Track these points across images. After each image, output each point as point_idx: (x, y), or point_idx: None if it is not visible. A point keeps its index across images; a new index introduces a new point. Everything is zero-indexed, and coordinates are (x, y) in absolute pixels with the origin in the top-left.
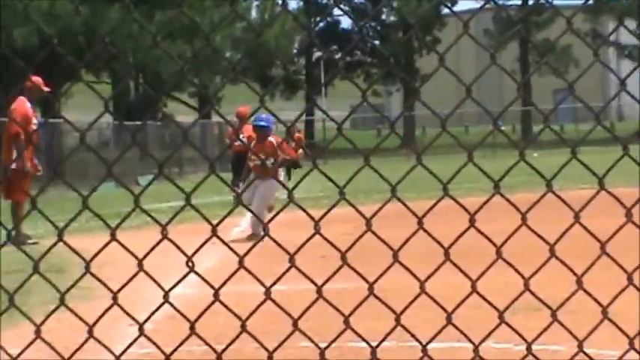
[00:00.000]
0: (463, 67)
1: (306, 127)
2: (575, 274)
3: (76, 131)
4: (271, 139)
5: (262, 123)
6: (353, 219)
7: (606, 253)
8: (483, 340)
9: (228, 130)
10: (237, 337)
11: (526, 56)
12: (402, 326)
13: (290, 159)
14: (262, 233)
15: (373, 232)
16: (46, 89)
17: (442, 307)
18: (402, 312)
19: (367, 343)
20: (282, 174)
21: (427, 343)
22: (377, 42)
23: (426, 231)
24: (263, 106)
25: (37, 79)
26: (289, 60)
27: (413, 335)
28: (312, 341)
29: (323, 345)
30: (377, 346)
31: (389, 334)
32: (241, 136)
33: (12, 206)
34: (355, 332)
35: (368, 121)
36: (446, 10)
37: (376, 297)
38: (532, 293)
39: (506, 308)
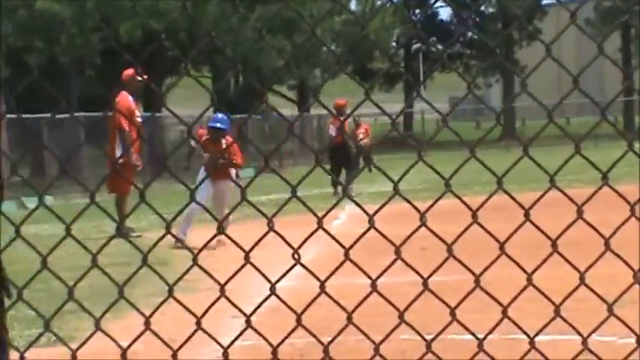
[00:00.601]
0: (564, 57)
1: (405, 119)
2: None
3: (182, 124)
4: (223, 141)
5: (218, 125)
6: (453, 212)
7: None
8: (591, 334)
9: (328, 123)
10: (344, 329)
11: (628, 46)
12: (509, 318)
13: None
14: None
15: (479, 224)
16: (141, 79)
17: (550, 300)
18: (509, 304)
19: (474, 335)
20: (233, 174)
21: (534, 336)
22: (474, 34)
23: (532, 222)
24: (369, 99)
25: (130, 71)
26: (389, 53)
27: (520, 328)
28: (419, 333)
29: (428, 337)
30: (483, 339)
31: (496, 326)
32: (331, 128)
33: (116, 200)
34: (462, 325)
35: (467, 113)
36: (546, 0)
37: (482, 289)
38: None
39: (615, 301)
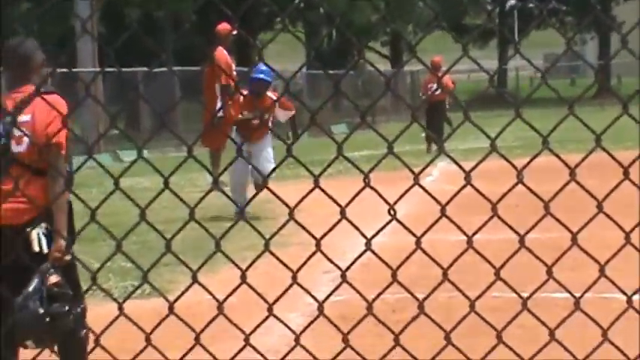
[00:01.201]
0: None
1: (499, 76)
2: None
3: (280, 79)
4: (269, 94)
5: (261, 76)
6: (547, 170)
7: None
8: None
9: (424, 80)
10: (439, 285)
11: None
12: (607, 277)
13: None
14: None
15: (577, 182)
16: (234, 32)
17: None
18: (607, 262)
19: (570, 293)
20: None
21: (632, 295)
22: None
23: (631, 180)
24: (467, 55)
25: (226, 26)
26: (486, 8)
27: (618, 286)
28: (514, 290)
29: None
30: (580, 297)
31: (592, 285)
32: (433, 86)
33: (210, 154)
34: (558, 282)
35: (561, 70)
36: None
37: (579, 247)
38: None
39: None
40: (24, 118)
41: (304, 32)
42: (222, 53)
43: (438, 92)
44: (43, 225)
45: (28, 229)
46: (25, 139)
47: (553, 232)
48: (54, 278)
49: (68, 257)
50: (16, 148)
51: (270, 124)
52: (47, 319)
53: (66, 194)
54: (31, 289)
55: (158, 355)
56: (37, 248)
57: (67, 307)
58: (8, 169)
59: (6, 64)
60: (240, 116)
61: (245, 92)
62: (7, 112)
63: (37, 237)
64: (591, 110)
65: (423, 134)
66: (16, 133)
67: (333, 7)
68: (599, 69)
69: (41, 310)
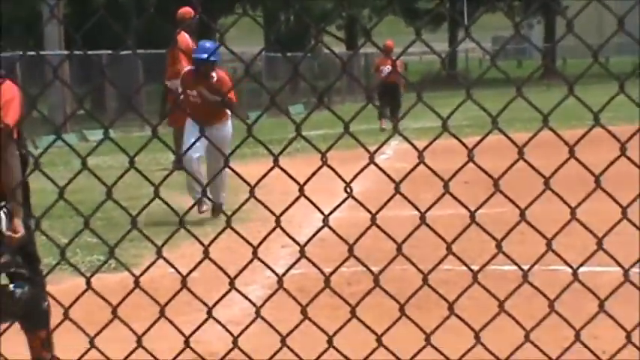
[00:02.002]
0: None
1: (450, 58)
2: None
3: (241, 62)
4: (220, 72)
5: (204, 56)
6: (494, 148)
7: None
8: (632, 266)
9: (376, 61)
10: (394, 258)
11: None
12: (554, 251)
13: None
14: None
15: (525, 160)
16: (195, 15)
17: (592, 233)
18: (554, 237)
19: (518, 266)
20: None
21: (578, 268)
22: None
23: (576, 159)
24: (420, 39)
25: (187, 10)
26: None
27: (564, 260)
28: (465, 264)
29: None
30: (528, 270)
31: (540, 258)
32: (386, 67)
33: (174, 133)
34: (507, 256)
35: (509, 53)
36: None
37: (527, 222)
38: None
39: None
40: None
41: (263, 16)
42: (183, 37)
43: (389, 74)
44: (2, 204)
45: None
46: None
47: (502, 208)
48: (3, 259)
49: (21, 235)
50: None
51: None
52: (6, 294)
53: (19, 175)
54: None
55: (124, 328)
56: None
57: (24, 285)
58: None
59: None
60: (192, 97)
61: (188, 68)
62: None
63: None
64: (538, 91)
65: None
66: None
67: None
68: (546, 51)
69: (2, 288)
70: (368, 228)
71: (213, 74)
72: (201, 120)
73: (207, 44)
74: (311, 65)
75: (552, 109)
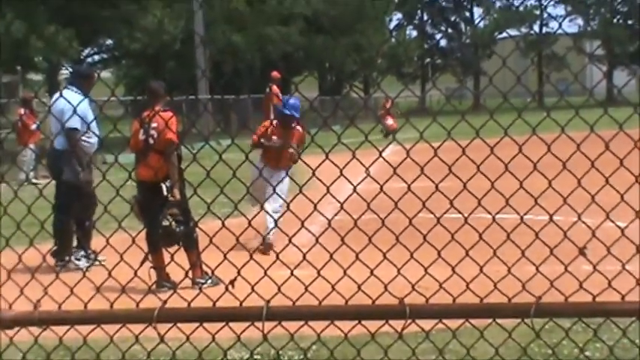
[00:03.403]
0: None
1: (421, 99)
2: None
3: (307, 100)
4: (299, 128)
5: (290, 112)
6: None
7: None
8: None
9: (382, 102)
10: (391, 212)
11: None
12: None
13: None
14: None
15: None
16: (279, 76)
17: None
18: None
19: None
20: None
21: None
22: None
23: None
24: (408, 88)
25: (275, 73)
26: (413, 62)
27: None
28: (460, 212)
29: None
30: (495, 214)
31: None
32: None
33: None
34: (485, 208)
35: (454, 97)
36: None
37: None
38: None
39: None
40: (153, 124)
41: (318, 76)
42: (274, 88)
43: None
44: (167, 181)
45: (161, 184)
46: (155, 135)
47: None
48: (170, 211)
49: (178, 198)
50: (151, 141)
51: (294, 157)
52: (170, 231)
53: (176, 165)
54: (161, 217)
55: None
56: (165, 193)
57: (181, 225)
58: (148, 154)
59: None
60: (265, 141)
61: (274, 120)
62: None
63: (165, 187)
64: (471, 117)
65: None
66: (151, 132)
67: (336, 62)
68: (476, 95)
69: (168, 227)
70: (378, 193)
71: (297, 127)
72: (273, 163)
73: (292, 100)
74: (344, 103)
75: (485, 123)
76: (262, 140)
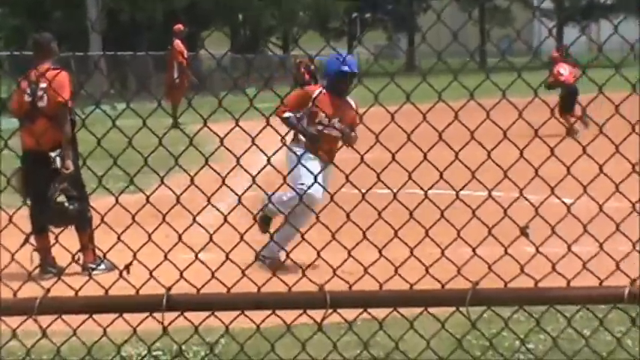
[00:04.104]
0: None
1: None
2: None
3: (213, 59)
4: (350, 101)
5: (350, 69)
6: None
7: None
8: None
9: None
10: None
11: None
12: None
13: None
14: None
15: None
16: (184, 30)
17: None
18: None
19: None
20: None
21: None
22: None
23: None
24: (329, 45)
25: (178, 26)
26: (339, 18)
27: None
28: (418, 185)
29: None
30: (458, 192)
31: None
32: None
33: (172, 105)
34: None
35: (384, 55)
36: None
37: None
38: None
39: None
40: (42, 85)
41: (230, 31)
42: (178, 44)
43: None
44: (58, 151)
45: (51, 154)
46: (45, 98)
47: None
48: (61, 186)
49: (70, 171)
50: (40, 104)
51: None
52: (62, 209)
53: (70, 133)
54: (50, 192)
55: (140, 230)
56: (55, 165)
57: (74, 202)
58: (35, 119)
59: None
60: (321, 127)
61: (323, 90)
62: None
63: (55, 158)
64: (403, 77)
65: None
66: (39, 93)
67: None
68: (409, 54)
69: (59, 204)
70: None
71: (350, 100)
72: (326, 155)
73: (349, 56)
74: (260, 62)
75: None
76: (301, 123)
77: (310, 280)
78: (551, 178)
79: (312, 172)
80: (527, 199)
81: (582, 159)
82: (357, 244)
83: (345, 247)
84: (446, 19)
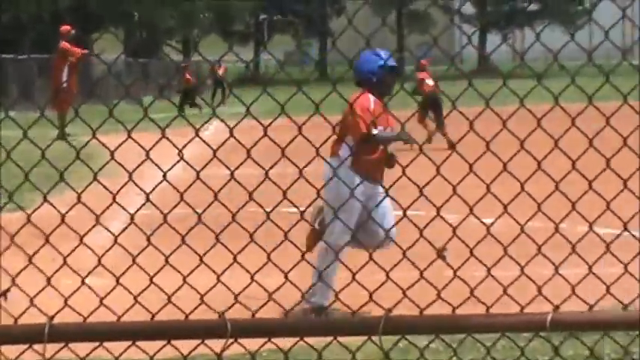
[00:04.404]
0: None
1: (255, 66)
2: None
3: (104, 64)
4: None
5: (392, 63)
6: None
7: None
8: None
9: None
10: (211, 203)
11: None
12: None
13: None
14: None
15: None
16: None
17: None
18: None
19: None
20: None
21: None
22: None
23: None
24: (232, 51)
25: (65, 27)
26: (244, 19)
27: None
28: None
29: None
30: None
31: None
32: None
33: (58, 114)
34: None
35: (294, 62)
36: None
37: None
38: None
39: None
40: None
41: (124, 33)
42: (66, 45)
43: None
44: None
45: None
46: None
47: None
48: None
49: None
50: None
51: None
52: None
53: None
54: None
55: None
56: None
57: None
58: None
59: None
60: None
61: (369, 95)
62: None
63: None
64: (313, 86)
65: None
66: None
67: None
68: (320, 60)
69: None
70: (194, 182)
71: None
72: (377, 174)
73: (383, 51)
74: (158, 67)
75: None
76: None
77: (209, 307)
78: (470, 198)
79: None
80: (444, 219)
81: (504, 177)
82: (262, 267)
83: (247, 271)
84: (360, 24)
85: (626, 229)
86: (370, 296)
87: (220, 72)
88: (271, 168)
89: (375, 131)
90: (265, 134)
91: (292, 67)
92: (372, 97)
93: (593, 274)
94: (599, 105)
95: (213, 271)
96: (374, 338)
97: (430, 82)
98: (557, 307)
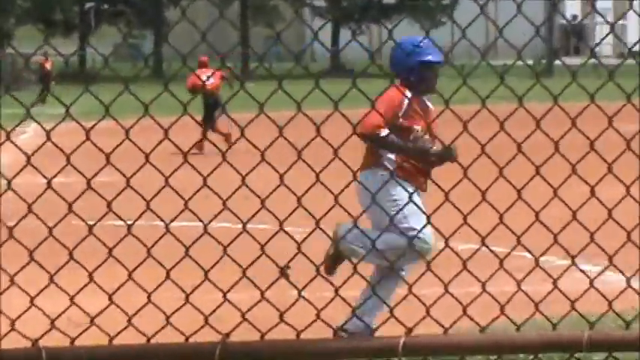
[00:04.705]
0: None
1: (80, 59)
2: None
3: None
4: (428, 102)
5: (435, 58)
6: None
7: None
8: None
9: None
10: (25, 217)
11: None
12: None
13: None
14: None
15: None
16: None
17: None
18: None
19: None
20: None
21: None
22: None
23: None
24: (49, 44)
25: None
26: (68, 7)
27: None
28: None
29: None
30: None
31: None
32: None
33: None
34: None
35: (125, 57)
36: None
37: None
38: None
39: None
40: None
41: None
42: None
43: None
44: None
45: None
46: None
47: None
48: None
49: None
50: None
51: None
52: None
53: None
54: None
55: None
56: None
57: None
58: None
59: None
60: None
61: (403, 91)
62: None
63: None
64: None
65: None
66: None
67: None
68: (155, 54)
69: None
70: (5, 191)
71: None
72: (422, 181)
73: (427, 40)
74: None
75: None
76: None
77: (20, 333)
78: (317, 209)
79: (423, 211)
80: (288, 234)
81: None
82: (84, 287)
83: (66, 293)
84: (199, 16)
85: (484, 244)
86: (206, 320)
87: (48, 66)
88: (94, 176)
89: (383, 132)
90: (88, 138)
91: (124, 63)
92: (406, 93)
93: (449, 293)
94: (454, 108)
95: (25, 292)
96: None
97: (213, 79)
98: (409, 330)
